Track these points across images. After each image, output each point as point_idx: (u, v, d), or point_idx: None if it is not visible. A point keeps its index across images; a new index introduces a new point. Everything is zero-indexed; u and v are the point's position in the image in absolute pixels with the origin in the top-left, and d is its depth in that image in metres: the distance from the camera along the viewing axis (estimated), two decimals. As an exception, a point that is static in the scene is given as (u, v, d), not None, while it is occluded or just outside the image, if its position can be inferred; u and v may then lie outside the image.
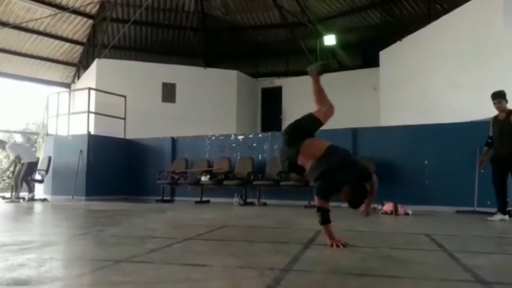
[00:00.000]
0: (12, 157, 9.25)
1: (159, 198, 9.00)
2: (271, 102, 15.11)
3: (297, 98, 14.64)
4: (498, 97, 5.51)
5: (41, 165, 9.40)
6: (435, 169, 7.24)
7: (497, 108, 5.58)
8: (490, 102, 5.60)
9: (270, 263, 2.49)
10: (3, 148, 9.38)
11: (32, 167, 9.02)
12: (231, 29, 15.99)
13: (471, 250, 3.20)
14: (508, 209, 5.47)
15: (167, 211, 6.67)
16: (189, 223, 4.97)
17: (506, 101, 5.53)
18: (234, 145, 9.29)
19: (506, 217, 5.35)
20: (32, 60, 14.65)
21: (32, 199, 8.75)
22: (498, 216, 5.37)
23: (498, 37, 8.09)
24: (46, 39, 14.36)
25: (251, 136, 9.56)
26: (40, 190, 9.88)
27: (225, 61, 15.59)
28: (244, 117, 14.39)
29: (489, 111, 5.76)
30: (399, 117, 9.82)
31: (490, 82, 7.10)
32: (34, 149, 11.78)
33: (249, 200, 8.26)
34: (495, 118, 5.69)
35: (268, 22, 15.69)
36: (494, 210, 5.58)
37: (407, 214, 6.03)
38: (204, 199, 8.75)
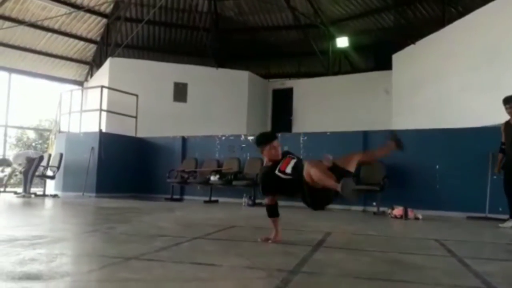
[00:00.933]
0: (11, 169, 9.38)
1: (169, 196, 9.04)
2: (282, 103, 15.06)
3: (308, 99, 14.65)
4: (510, 101, 5.43)
5: (53, 161, 9.51)
6: (446, 174, 7.15)
7: (509, 114, 5.50)
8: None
9: (278, 264, 2.49)
10: (9, 165, 9.48)
11: (39, 162, 9.12)
12: (244, 30, 16.02)
13: (481, 257, 3.16)
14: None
15: (176, 210, 6.70)
16: (198, 222, 4.98)
17: None
18: (244, 145, 9.28)
19: (519, 224, 5.27)
20: (46, 58, 14.82)
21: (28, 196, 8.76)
22: (510, 223, 5.29)
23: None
24: (60, 37, 14.51)
25: (261, 137, 9.52)
26: (51, 186, 10.00)
27: (237, 62, 15.59)
28: (255, 117, 14.38)
29: (505, 116, 5.67)
30: (411, 121, 9.71)
31: (505, 86, 6.99)
32: (46, 145, 11.91)
33: (257, 200, 8.23)
34: (507, 123, 5.60)
35: (281, 23, 15.67)
36: (506, 216, 5.50)
37: (417, 218, 5.98)
38: (213, 198, 8.77)
